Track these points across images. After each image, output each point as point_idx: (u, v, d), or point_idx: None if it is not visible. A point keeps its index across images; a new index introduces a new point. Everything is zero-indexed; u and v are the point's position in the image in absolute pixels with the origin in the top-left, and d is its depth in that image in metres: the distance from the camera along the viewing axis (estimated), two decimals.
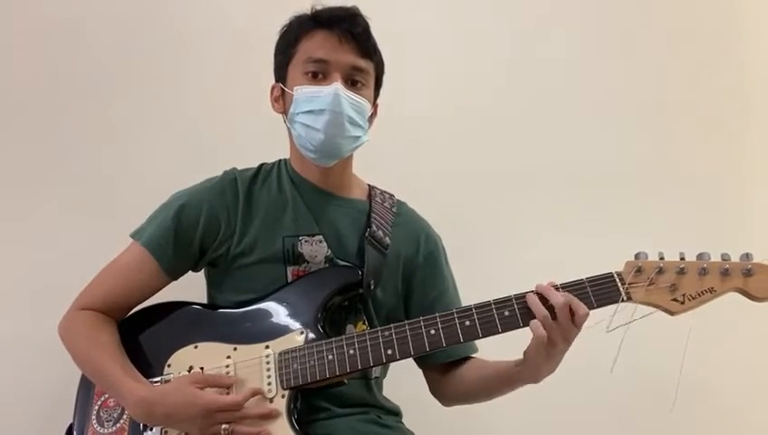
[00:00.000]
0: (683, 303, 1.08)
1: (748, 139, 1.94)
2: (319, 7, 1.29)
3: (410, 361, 1.32)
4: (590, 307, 1.10)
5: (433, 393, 1.38)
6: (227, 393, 1.17)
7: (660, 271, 1.09)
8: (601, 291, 1.10)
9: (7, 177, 1.60)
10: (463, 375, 1.32)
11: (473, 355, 1.35)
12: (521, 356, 1.17)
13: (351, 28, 1.26)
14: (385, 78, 1.36)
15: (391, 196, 1.42)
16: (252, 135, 1.60)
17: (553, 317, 1.09)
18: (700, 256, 1.09)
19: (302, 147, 1.29)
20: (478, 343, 1.33)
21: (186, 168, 1.44)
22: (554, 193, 1.81)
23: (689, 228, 1.70)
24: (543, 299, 1.11)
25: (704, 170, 1.88)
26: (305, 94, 1.25)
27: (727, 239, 1.12)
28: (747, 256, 1.08)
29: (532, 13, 1.89)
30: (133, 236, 1.30)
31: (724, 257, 1.08)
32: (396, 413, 1.36)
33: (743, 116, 1.94)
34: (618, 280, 1.10)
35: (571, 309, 1.08)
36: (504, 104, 1.84)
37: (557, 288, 1.12)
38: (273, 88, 1.34)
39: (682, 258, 1.10)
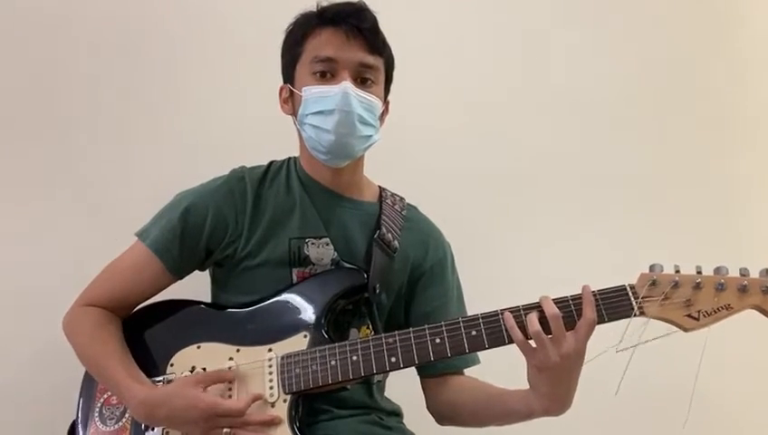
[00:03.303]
0: (698, 319, 1.03)
1: (758, 144, 1.90)
2: (324, 4, 1.26)
3: None
4: (601, 321, 1.06)
5: (430, 408, 1.34)
6: (230, 391, 1.16)
7: (676, 285, 1.04)
8: (613, 304, 1.06)
9: (8, 176, 1.59)
10: (463, 389, 1.29)
11: (473, 366, 1.32)
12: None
13: (359, 24, 1.22)
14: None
15: (402, 199, 1.39)
16: (260, 133, 1.58)
17: (546, 330, 1.05)
18: (717, 271, 1.04)
19: (313, 148, 1.26)
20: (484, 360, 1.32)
21: (190, 165, 1.44)
22: (565, 198, 1.79)
23: (699, 235, 1.68)
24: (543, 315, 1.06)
25: (712, 176, 1.85)
26: (314, 95, 1.22)
27: (736, 244, 1.08)
28: (767, 272, 1.03)
29: (536, 12, 1.86)
30: (138, 235, 1.29)
31: (743, 272, 1.03)
32: (397, 414, 1.34)
33: (749, 120, 1.91)
34: (630, 294, 1.06)
35: (579, 314, 1.05)
36: (514, 105, 1.81)
37: (564, 301, 1.08)
38: (281, 89, 1.32)
39: (699, 272, 1.05)
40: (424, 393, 1.34)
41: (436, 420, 1.33)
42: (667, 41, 1.89)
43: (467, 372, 1.33)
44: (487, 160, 1.78)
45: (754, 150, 1.90)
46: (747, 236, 1.74)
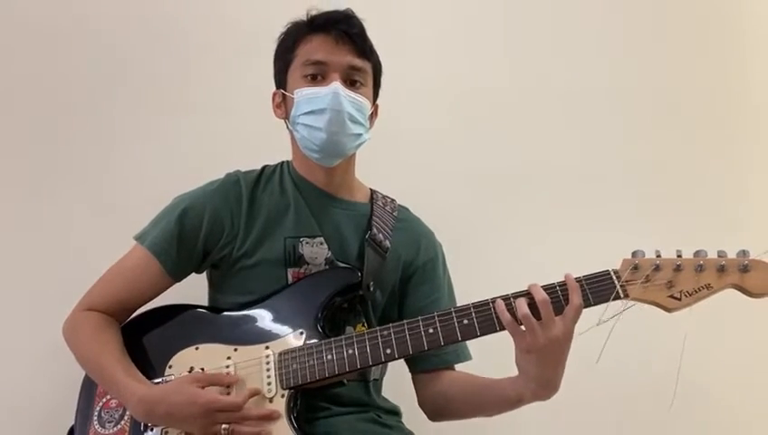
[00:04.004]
0: (680, 299, 1.07)
1: (747, 137, 1.93)
2: (314, 12, 1.32)
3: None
4: (587, 305, 1.09)
5: (421, 405, 1.36)
6: (228, 392, 1.17)
7: (657, 268, 1.09)
8: (598, 288, 1.10)
9: (8, 177, 1.61)
10: (454, 382, 1.32)
11: (464, 362, 1.35)
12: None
13: (347, 29, 1.28)
14: (382, 80, 1.37)
15: (393, 200, 1.43)
16: (254, 138, 1.60)
17: (536, 316, 1.08)
18: (697, 254, 1.09)
19: (306, 148, 1.30)
20: (475, 355, 1.35)
21: (188, 170, 1.45)
22: (552, 193, 1.81)
23: (687, 226, 1.69)
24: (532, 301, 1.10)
25: (701, 169, 1.88)
26: (305, 96, 1.27)
27: (725, 236, 1.12)
28: (744, 253, 1.07)
29: (530, 12, 1.89)
30: (137, 238, 1.31)
31: (721, 254, 1.08)
32: (395, 413, 1.36)
33: (743, 114, 1.94)
34: (614, 277, 1.10)
35: (567, 300, 1.09)
36: (503, 104, 1.84)
37: (552, 288, 1.11)
38: (274, 95, 1.36)
39: (679, 255, 1.10)
40: (416, 390, 1.36)
41: (429, 416, 1.35)
42: (658, 31, 1.93)
43: (459, 368, 1.36)
44: (477, 160, 1.80)
45: (748, 146, 1.93)
46: (737, 228, 1.78)
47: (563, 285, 1.11)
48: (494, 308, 1.12)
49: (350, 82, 1.29)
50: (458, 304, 1.37)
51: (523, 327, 1.09)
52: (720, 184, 1.87)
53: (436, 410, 1.35)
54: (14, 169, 1.62)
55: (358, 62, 1.29)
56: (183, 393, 1.14)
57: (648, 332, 1.18)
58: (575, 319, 1.09)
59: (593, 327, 1.05)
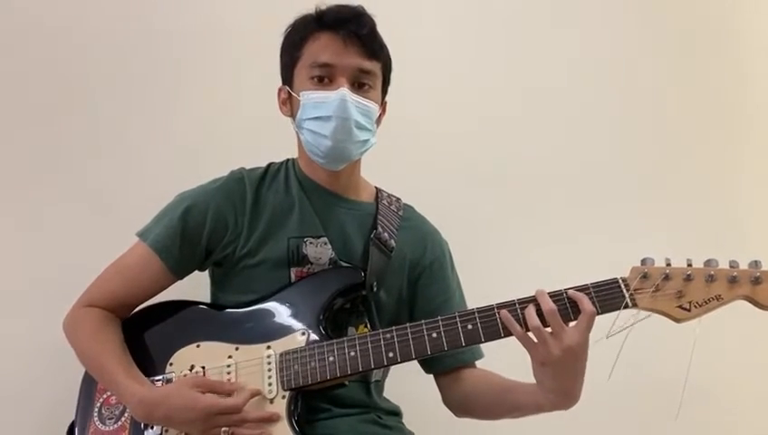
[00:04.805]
0: (689, 310, 1.05)
1: (752, 140, 1.93)
2: (323, 7, 1.28)
3: (413, 362, 1.31)
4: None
5: (445, 404, 1.35)
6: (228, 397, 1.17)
7: (666, 277, 1.07)
8: (606, 297, 1.08)
9: (8, 176, 1.60)
10: (477, 382, 1.30)
11: (477, 362, 1.34)
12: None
13: (357, 30, 1.24)
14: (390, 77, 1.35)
15: (398, 199, 1.42)
16: (254, 137, 1.60)
17: (544, 324, 1.07)
18: (708, 263, 1.07)
19: (311, 152, 1.28)
20: (488, 353, 1.33)
21: (191, 166, 1.45)
22: (561, 196, 1.80)
23: (696, 232, 1.70)
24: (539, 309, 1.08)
25: (709, 173, 1.87)
26: (312, 100, 1.24)
27: (733, 242, 1.10)
28: (756, 264, 1.05)
29: (532, 13, 1.89)
30: (139, 235, 1.30)
31: (733, 264, 1.06)
32: (396, 413, 1.35)
33: (744, 117, 1.93)
34: (623, 286, 1.08)
35: (577, 309, 1.07)
36: (509, 106, 1.83)
37: (559, 294, 1.09)
38: (279, 91, 1.34)
39: (689, 265, 1.08)
40: (440, 390, 1.35)
41: (454, 414, 1.34)
42: (659, 35, 1.93)
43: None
44: (484, 162, 1.79)
45: (752, 146, 1.93)
46: (744, 232, 1.77)
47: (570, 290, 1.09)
48: (500, 320, 1.10)
49: (358, 86, 1.26)
50: (467, 306, 1.37)
51: (533, 335, 1.07)
52: (725, 184, 1.87)
53: (460, 410, 1.34)
54: (14, 168, 1.61)
55: (367, 64, 1.25)
56: (182, 397, 1.14)
57: (654, 337, 1.16)
58: (589, 327, 1.06)
59: (602, 340, 1.03)
